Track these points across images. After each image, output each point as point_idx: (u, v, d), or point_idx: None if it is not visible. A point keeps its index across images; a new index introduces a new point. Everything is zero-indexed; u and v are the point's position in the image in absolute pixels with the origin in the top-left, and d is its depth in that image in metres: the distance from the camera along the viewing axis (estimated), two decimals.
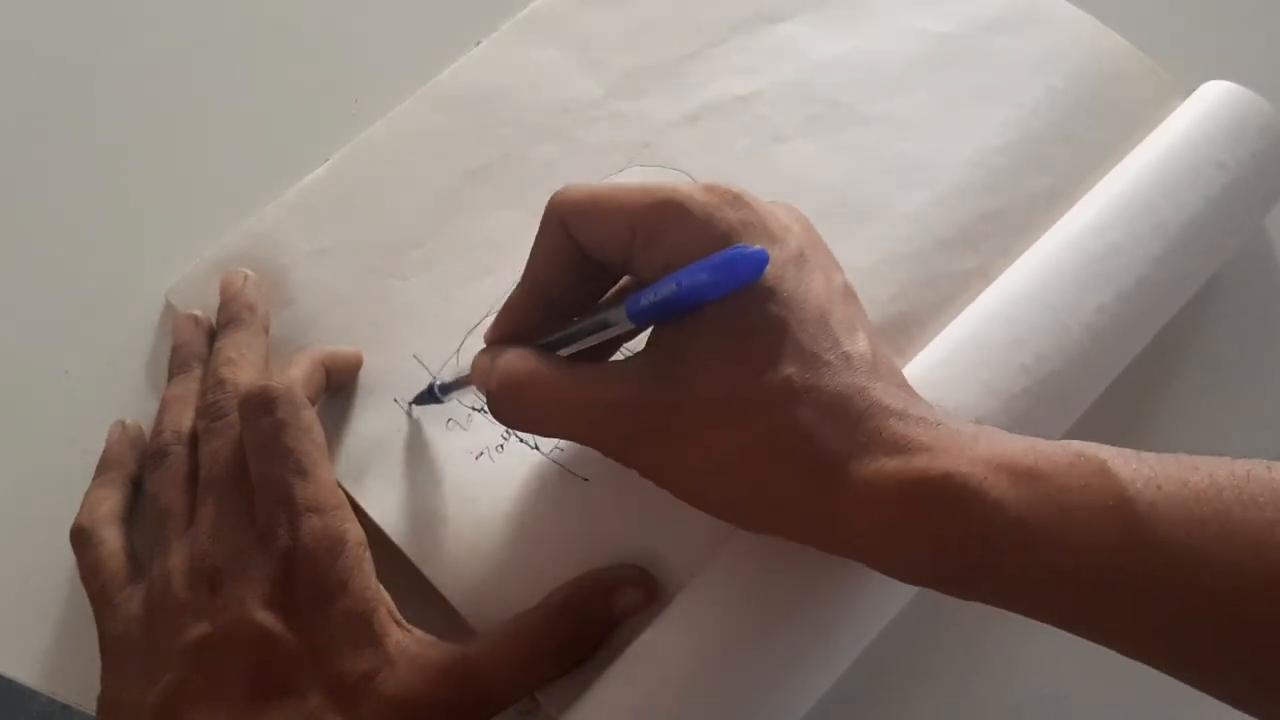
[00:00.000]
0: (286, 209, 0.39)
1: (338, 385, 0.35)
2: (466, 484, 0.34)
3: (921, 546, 0.25)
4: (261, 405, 0.31)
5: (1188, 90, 0.38)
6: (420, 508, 0.33)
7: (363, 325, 0.37)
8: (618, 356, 0.32)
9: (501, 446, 0.34)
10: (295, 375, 0.32)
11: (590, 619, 0.30)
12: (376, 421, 0.35)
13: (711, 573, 0.30)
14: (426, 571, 0.32)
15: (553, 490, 0.33)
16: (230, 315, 0.36)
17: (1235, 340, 0.38)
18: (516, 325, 0.31)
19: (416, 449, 0.34)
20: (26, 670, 0.33)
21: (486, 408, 0.30)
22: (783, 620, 0.29)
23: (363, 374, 0.36)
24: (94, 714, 0.30)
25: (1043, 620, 0.25)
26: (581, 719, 0.29)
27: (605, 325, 0.29)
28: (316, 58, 0.44)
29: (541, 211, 0.30)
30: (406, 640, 0.29)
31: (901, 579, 0.26)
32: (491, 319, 0.31)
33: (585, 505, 0.33)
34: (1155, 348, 0.35)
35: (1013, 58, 0.40)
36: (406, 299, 0.37)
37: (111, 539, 0.32)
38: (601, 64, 0.42)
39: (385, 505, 0.33)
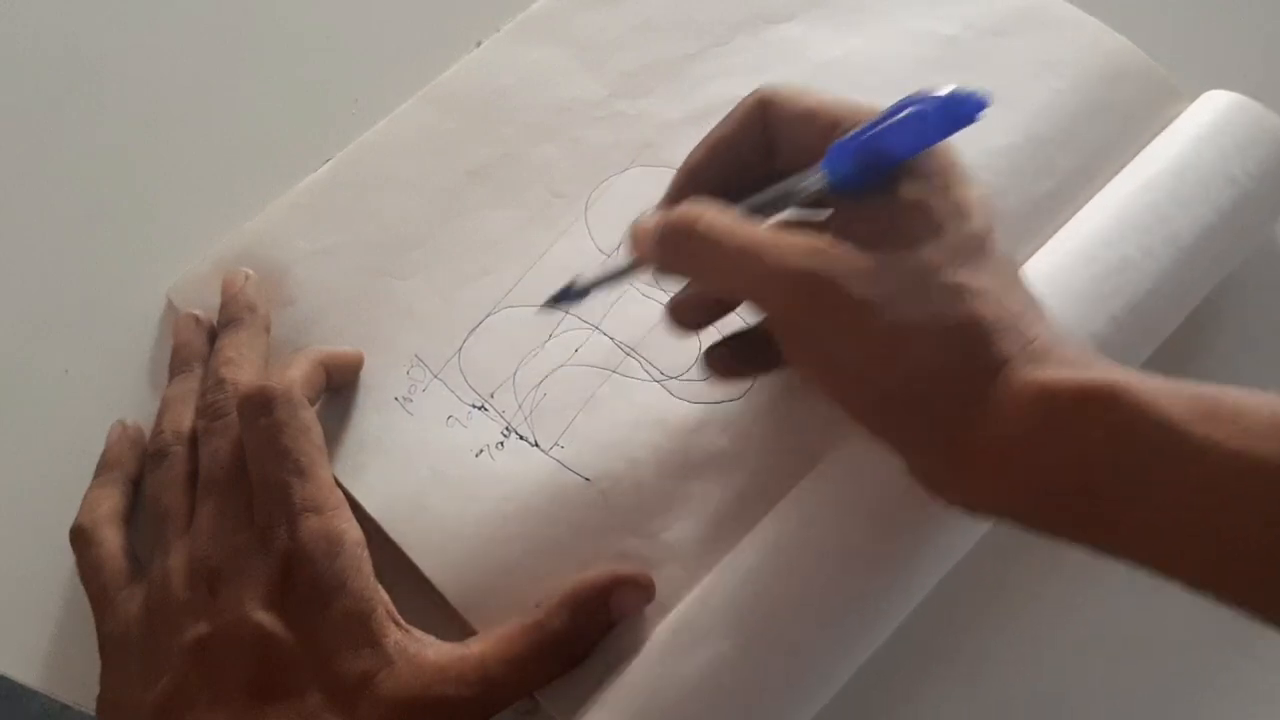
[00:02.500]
0: (287, 209, 0.39)
1: (338, 385, 0.35)
2: (466, 482, 0.33)
3: (1072, 448, 0.24)
4: (260, 405, 0.31)
5: (1192, 93, 0.38)
6: (420, 507, 0.33)
7: (363, 325, 0.37)
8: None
9: (501, 444, 0.34)
10: (295, 375, 0.32)
11: (589, 618, 0.30)
12: (377, 421, 0.35)
13: (717, 573, 0.30)
14: (426, 571, 0.32)
15: (553, 489, 0.33)
16: (231, 315, 0.36)
17: (1240, 343, 0.38)
18: (696, 185, 0.31)
19: (416, 448, 0.34)
20: (26, 670, 0.33)
21: (654, 266, 0.29)
22: (787, 620, 0.29)
23: (363, 374, 0.36)
24: (94, 714, 0.31)
25: (1157, 555, 0.24)
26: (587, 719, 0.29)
27: (796, 189, 0.28)
28: (316, 58, 0.44)
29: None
30: (405, 640, 0.29)
31: (1028, 493, 0.25)
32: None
33: (585, 505, 0.33)
34: (1158, 351, 0.35)
35: (1016, 60, 0.40)
36: (406, 299, 0.37)
37: (111, 539, 0.32)
38: (603, 64, 0.41)
39: (385, 504, 0.33)
